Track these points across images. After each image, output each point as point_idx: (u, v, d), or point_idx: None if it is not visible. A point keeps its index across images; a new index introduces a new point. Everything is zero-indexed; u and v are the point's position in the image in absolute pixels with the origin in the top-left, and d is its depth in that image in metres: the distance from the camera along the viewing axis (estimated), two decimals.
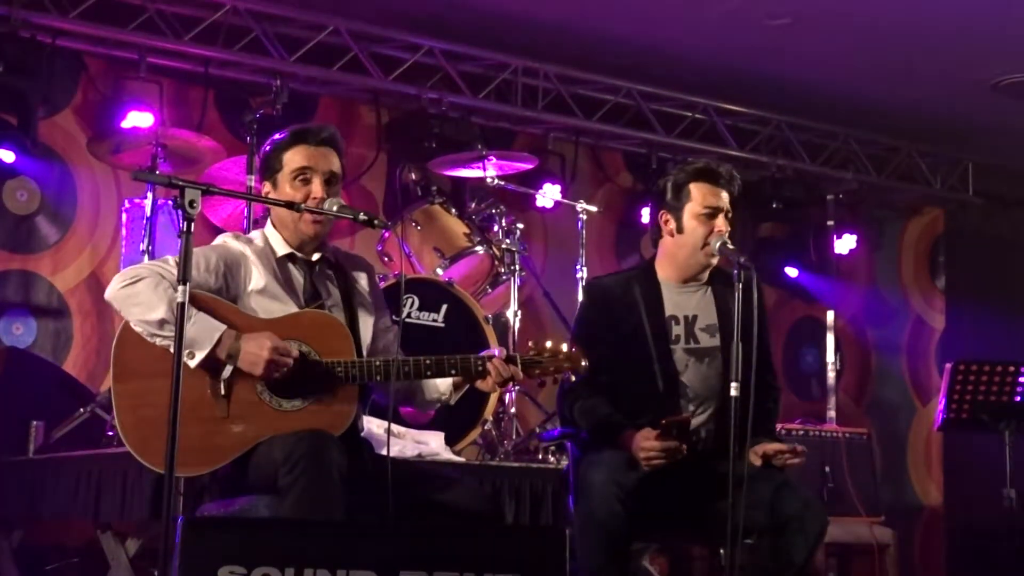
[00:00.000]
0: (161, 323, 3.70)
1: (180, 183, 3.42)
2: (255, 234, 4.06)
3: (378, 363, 3.85)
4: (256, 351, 3.69)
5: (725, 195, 4.38)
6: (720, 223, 4.35)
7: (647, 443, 4.10)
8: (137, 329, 3.74)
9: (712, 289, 4.44)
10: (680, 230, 4.40)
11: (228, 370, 3.71)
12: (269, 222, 4.08)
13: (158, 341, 3.72)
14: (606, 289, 4.46)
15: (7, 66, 6.36)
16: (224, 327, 3.71)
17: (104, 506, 5.13)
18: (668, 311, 4.38)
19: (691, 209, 4.38)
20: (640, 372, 4.32)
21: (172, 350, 3.62)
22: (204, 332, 3.67)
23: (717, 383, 4.33)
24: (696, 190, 4.38)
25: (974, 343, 9.12)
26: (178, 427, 3.27)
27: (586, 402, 4.30)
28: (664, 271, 4.46)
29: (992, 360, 6.60)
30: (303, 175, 3.96)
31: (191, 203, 3.41)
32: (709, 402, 4.35)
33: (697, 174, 4.41)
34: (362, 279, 4.16)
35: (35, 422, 5.84)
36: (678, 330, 4.38)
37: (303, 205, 3.88)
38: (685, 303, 4.41)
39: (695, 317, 4.38)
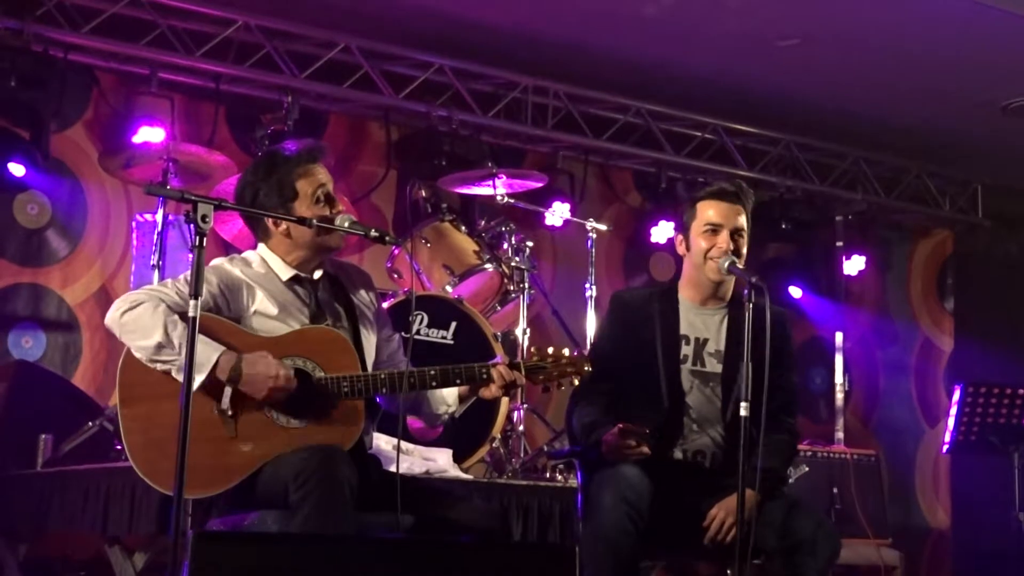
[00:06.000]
0: (158, 348, 3.68)
1: (193, 197, 3.43)
2: (250, 256, 4.02)
3: (383, 376, 3.84)
4: (263, 374, 3.69)
5: (731, 211, 4.34)
6: (722, 240, 4.31)
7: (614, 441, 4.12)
8: (137, 355, 3.72)
9: (729, 315, 4.41)
10: (688, 248, 4.41)
11: (227, 394, 3.69)
12: (263, 245, 4.02)
13: (158, 366, 3.71)
14: (627, 303, 4.48)
15: (19, 80, 6.38)
16: (222, 348, 3.69)
17: (112, 520, 5.13)
18: (682, 330, 4.39)
19: (695, 227, 4.38)
20: (648, 387, 4.32)
21: (172, 374, 3.67)
22: (202, 355, 3.62)
23: (719, 408, 4.34)
24: (701, 208, 4.38)
25: (982, 365, 9.10)
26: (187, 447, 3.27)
27: (584, 410, 4.31)
28: (684, 291, 4.46)
29: (1002, 383, 6.59)
30: (324, 193, 3.95)
31: (203, 218, 3.42)
32: (711, 425, 4.34)
33: (706, 193, 4.42)
34: (362, 292, 4.14)
35: (44, 435, 5.84)
36: (687, 350, 4.37)
37: (314, 220, 3.87)
38: (700, 325, 4.40)
39: (706, 340, 4.38)
